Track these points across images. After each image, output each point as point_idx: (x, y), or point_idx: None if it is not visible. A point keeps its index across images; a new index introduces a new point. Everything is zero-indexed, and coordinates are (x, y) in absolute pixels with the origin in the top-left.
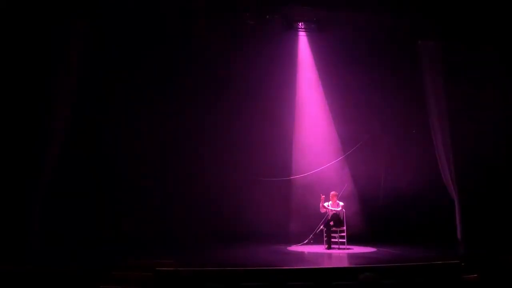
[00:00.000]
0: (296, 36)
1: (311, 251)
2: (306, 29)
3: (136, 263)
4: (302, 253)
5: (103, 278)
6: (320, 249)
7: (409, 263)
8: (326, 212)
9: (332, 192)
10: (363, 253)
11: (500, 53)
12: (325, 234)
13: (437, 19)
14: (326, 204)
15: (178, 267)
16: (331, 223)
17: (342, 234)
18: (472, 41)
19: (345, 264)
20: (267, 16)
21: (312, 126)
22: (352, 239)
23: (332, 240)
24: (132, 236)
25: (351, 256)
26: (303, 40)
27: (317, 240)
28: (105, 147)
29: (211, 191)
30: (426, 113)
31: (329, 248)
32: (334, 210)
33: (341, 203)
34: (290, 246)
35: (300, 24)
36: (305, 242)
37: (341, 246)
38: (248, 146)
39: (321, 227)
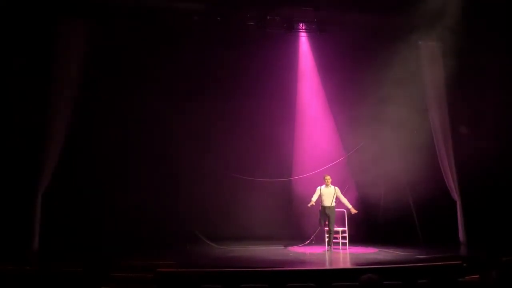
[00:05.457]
0: (297, 36)
1: (312, 252)
2: (307, 30)
3: (136, 264)
4: (303, 254)
5: (104, 279)
6: (321, 250)
7: (410, 264)
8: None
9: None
10: (365, 254)
11: (501, 53)
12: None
13: (437, 20)
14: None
15: (178, 268)
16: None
17: (344, 235)
18: (473, 41)
19: (346, 265)
20: (268, 17)
21: (313, 127)
22: (354, 240)
23: (334, 241)
24: (132, 236)
25: (353, 257)
26: (304, 41)
27: (318, 241)
28: (105, 147)
29: (211, 191)
30: (428, 114)
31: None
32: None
33: (336, 188)
34: (291, 246)
35: (300, 24)
36: (306, 243)
37: (342, 247)
38: (250, 147)
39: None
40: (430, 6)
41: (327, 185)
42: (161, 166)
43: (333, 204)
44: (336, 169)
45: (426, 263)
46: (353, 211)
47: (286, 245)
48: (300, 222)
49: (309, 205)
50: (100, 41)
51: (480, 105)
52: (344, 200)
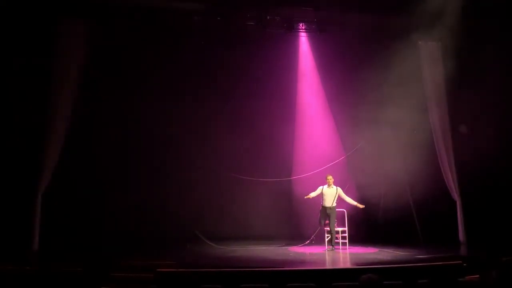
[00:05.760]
0: (297, 36)
1: (312, 252)
2: (307, 30)
3: (136, 264)
4: (303, 254)
5: (104, 279)
6: (321, 249)
7: (410, 264)
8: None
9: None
10: (365, 254)
11: (501, 53)
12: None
13: (437, 20)
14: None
15: (178, 268)
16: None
17: (344, 235)
18: (473, 41)
19: (346, 265)
20: (268, 17)
21: (313, 127)
22: (354, 240)
23: (335, 241)
24: (132, 236)
25: (353, 257)
26: (304, 41)
27: (318, 241)
28: (105, 147)
29: (211, 191)
30: (428, 114)
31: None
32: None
33: (339, 188)
34: (291, 246)
35: (300, 24)
36: (306, 243)
37: (342, 247)
38: (250, 147)
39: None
40: (430, 6)
41: (329, 185)
42: (161, 166)
43: (334, 204)
44: (336, 169)
45: (426, 263)
46: (360, 206)
47: (286, 245)
48: (300, 222)
49: (305, 197)
50: (100, 41)
51: (480, 105)
52: (348, 199)
